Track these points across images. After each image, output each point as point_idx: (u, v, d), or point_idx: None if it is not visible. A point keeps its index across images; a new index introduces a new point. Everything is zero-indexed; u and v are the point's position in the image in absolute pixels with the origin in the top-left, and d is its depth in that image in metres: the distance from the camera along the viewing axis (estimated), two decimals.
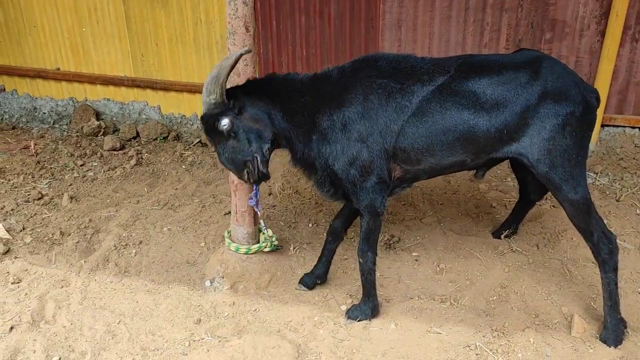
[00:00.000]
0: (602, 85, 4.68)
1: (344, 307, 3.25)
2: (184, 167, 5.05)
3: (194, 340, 2.97)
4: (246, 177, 2.88)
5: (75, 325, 3.11)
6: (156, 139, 5.68)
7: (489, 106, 2.73)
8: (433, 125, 2.78)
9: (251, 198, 3.33)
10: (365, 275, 3.08)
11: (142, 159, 5.23)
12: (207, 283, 3.46)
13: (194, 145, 5.55)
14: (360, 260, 3.05)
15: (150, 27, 5.65)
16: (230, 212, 4.22)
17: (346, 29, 5.15)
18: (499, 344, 2.88)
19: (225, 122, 2.76)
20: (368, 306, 3.12)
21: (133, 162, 5.08)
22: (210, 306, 3.26)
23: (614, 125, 4.89)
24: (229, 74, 2.68)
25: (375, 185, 2.88)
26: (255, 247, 3.51)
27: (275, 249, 3.61)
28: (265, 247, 3.52)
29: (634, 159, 4.84)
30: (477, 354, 2.84)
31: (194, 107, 5.85)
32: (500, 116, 2.74)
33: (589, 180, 4.54)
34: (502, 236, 3.77)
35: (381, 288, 3.38)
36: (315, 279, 3.41)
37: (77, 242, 3.86)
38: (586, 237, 2.87)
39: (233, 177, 3.39)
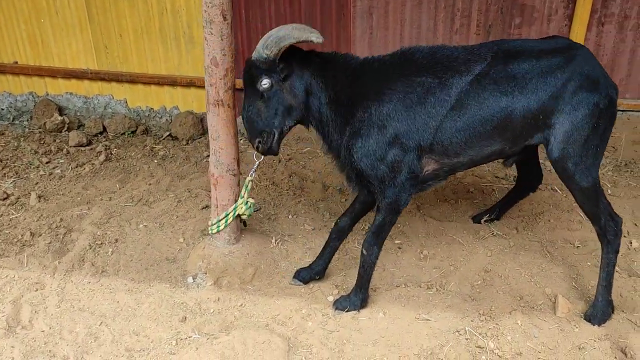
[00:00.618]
0: None
1: (330, 298, 3.23)
2: (155, 161, 4.91)
3: (181, 339, 2.90)
4: (256, 144, 2.87)
5: (55, 329, 2.99)
6: (124, 133, 5.51)
7: (528, 92, 2.71)
8: (472, 117, 2.74)
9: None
10: (365, 268, 3.05)
11: (112, 154, 5.06)
12: (190, 279, 3.38)
13: (164, 139, 5.41)
14: (365, 252, 3.01)
15: (113, 17, 5.45)
16: (207, 206, 4.16)
17: (317, 17, 5.09)
18: (488, 328, 2.91)
19: (265, 82, 2.76)
20: (358, 297, 3.09)
21: (102, 157, 4.91)
22: (194, 303, 3.19)
23: None
24: (293, 43, 2.68)
25: (405, 181, 2.84)
26: (230, 210, 3.34)
27: (255, 211, 3.46)
28: (241, 209, 3.33)
29: None
30: (466, 339, 2.86)
31: (162, 99, 5.69)
32: (537, 100, 2.72)
33: None
34: (483, 221, 3.81)
35: None
36: (313, 275, 3.36)
37: (49, 243, 3.71)
38: (593, 220, 2.92)
39: (213, 170, 3.31)
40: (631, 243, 3.66)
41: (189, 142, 5.30)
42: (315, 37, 2.70)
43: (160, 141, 5.33)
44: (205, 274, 3.37)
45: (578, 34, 4.68)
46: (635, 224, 3.86)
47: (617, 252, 2.94)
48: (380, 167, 2.81)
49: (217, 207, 3.40)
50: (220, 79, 3.04)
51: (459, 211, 4.03)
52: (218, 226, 3.37)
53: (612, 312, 2.97)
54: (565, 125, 2.74)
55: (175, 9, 5.26)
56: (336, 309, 3.11)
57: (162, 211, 4.12)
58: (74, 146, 5.21)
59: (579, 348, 2.77)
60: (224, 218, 3.34)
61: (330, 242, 3.35)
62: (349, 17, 5.03)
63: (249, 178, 3.30)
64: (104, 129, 5.59)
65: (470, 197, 4.21)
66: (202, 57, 5.36)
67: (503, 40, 3.00)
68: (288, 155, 4.95)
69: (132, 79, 5.62)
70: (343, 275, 3.43)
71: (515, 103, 2.73)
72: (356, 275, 3.16)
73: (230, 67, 3.06)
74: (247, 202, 3.35)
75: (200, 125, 5.45)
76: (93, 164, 4.87)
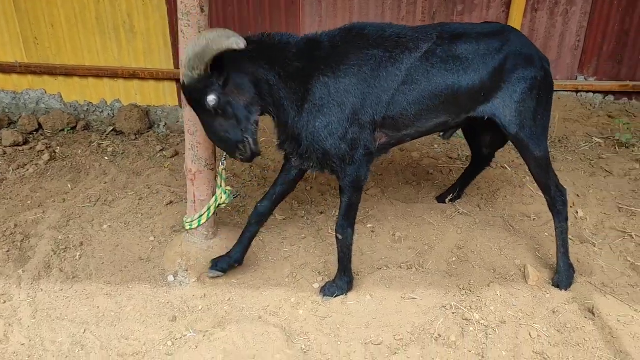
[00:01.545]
0: None
1: (316, 286, 3.28)
2: (106, 158, 4.69)
3: (176, 339, 2.84)
4: (238, 156, 2.78)
5: (35, 342, 2.83)
6: (63, 130, 5.20)
7: (470, 70, 2.90)
8: (422, 92, 2.87)
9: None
10: (344, 252, 3.11)
11: (55, 153, 4.76)
12: (171, 278, 3.30)
13: (108, 135, 5.16)
14: (340, 236, 3.07)
15: (44, 6, 5.10)
16: (172, 202, 4.06)
17: (265, 5, 5.04)
18: (471, 301, 3.09)
19: (212, 99, 2.62)
20: (344, 281, 3.17)
21: (46, 157, 4.61)
22: (180, 301, 3.12)
23: None
24: (215, 55, 2.51)
25: (362, 157, 2.90)
26: (212, 202, 3.28)
27: (234, 197, 3.36)
28: (221, 198, 3.26)
29: None
30: (453, 313, 3.02)
31: (102, 92, 5.43)
32: (479, 79, 2.92)
33: None
34: (447, 200, 4.00)
35: None
36: (232, 263, 3.25)
37: (8, 251, 3.47)
38: (545, 190, 3.17)
39: (190, 166, 3.23)
40: (577, 212, 3.99)
41: (137, 136, 5.10)
42: (235, 42, 2.53)
43: (107, 137, 5.09)
44: (187, 271, 3.31)
45: (515, 20, 4.98)
46: (578, 195, 4.21)
47: (567, 219, 3.23)
48: (342, 145, 2.86)
49: (194, 203, 3.32)
50: None
51: (422, 193, 4.20)
52: (199, 220, 3.31)
53: (574, 272, 3.25)
54: (512, 101, 2.98)
55: None
56: (324, 295, 3.17)
57: (124, 210, 3.97)
58: (10, 146, 4.86)
59: (553, 312, 3.01)
60: (206, 211, 3.28)
61: (249, 227, 3.28)
62: (298, 4, 5.03)
63: (221, 167, 3.26)
64: (40, 126, 5.24)
65: (430, 178, 4.40)
66: (144, 47, 5.20)
67: (444, 22, 3.17)
68: None
69: (67, 72, 5.32)
70: (323, 262, 3.49)
71: (461, 80, 2.92)
72: (335, 261, 3.25)
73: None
74: (225, 190, 3.31)
75: (146, 118, 5.25)
76: (37, 164, 4.57)
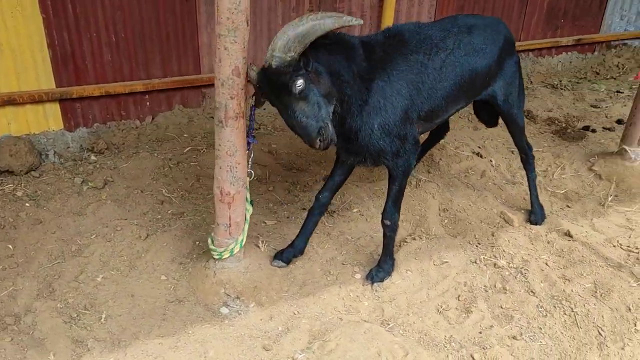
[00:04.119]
0: None
1: (358, 276, 3.43)
2: (27, 205, 3.86)
3: None
4: (318, 142, 2.69)
5: None
6: None
7: (483, 57, 3.35)
8: (451, 84, 3.22)
9: (249, 136, 3.05)
10: (390, 237, 3.33)
11: None
12: (224, 310, 3.10)
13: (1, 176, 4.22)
14: (388, 222, 3.27)
15: None
16: (148, 235, 3.69)
17: (159, 5, 4.65)
18: (491, 251, 3.62)
19: (299, 84, 2.57)
20: (389, 264, 3.40)
21: None
22: (254, 330, 2.99)
23: None
24: (319, 35, 2.50)
25: (412, 147, 3.14)
26: (247, 217, 3.21)
27: (252, 205, 3.31)
28: (250, 210, 3.22)
29: None
30: (485, 265, 3.52)
31: None
32: (488, 64, 3.38)
33: None
34: None
35: (363, 249, 3.66)
36: (297, 253, 3.46)
37: (12, 340, 2.80)
38: (521, 150, 3.89)
39: (229, 188, 3.03)
40: (492, 161, 4.82)
41: (39, 173, 4.28)
42: (352, 19, 2.61)
43: (7, 180, 4.15)
44: (238, 298, 3.14)
45: (390, 4, 5.56)
46: (480, 147, 5.05)
47: (535, 169, 3.98)
48: (395, 142, 3.09)
49: (229, 226, 3.13)
50: (242, 90, 2.79)
51: (375, 171, 4.55)
52: (241, 243, 3.16)
53: (544, 211, 4.01)
54: (505, 82, 3.58)
55: None
56: (374, 282, 3.35)
57: (103, 257, 3.45)
58: None
59: (548, 242, 3.73)
60: (246, 231, 3.17)
61: (311, 217, 3.48)
62: (193, 2, 4.78)
63: (249, 178, 3.17)
64: None
65: None
66: (16, 66, 4.41)
67: (456, 15, 3.58)
68: (177, 160, 4.56)
69: None
70: (344, 253, 3.62)
71: (478, 67, 3.38)
72: (352, 250, 3.53)
73: (246, 75, 2.83)
74: (251, 201, 3.23)
75: (35, 150, 4.44)
76: None
